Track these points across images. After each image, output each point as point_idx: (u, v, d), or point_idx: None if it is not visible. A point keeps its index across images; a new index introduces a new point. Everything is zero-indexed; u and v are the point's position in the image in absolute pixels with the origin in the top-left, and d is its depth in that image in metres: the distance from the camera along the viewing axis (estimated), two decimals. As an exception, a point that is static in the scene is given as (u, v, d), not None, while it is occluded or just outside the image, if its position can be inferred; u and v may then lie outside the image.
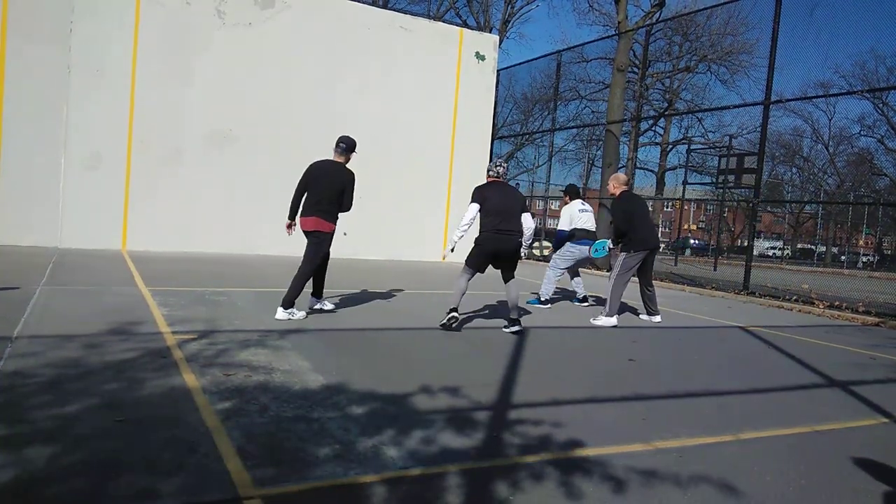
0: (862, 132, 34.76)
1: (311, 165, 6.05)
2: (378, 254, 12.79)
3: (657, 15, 19.61)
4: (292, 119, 12.16)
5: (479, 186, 5.94)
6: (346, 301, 7.08)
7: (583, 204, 8.19)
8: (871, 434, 3.66)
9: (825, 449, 3.33)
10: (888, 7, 11.34)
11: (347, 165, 6.07)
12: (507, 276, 6.05)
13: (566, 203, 8.26)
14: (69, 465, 2.42)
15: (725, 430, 3.48)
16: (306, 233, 5.92)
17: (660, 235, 37.95)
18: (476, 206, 5.82)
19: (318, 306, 6.24)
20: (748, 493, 2.66)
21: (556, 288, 8.51)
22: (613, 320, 6.84)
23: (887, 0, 11.34)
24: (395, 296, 7.80)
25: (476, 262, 5.92)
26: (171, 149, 11.22)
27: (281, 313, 5.70)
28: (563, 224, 8.10)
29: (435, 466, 2.68)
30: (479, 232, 5.86)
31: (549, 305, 7.96)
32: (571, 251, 8.01)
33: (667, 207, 43.05)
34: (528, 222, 5.94)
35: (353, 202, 6.09)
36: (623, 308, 8.02)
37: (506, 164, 6.13)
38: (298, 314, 5.78)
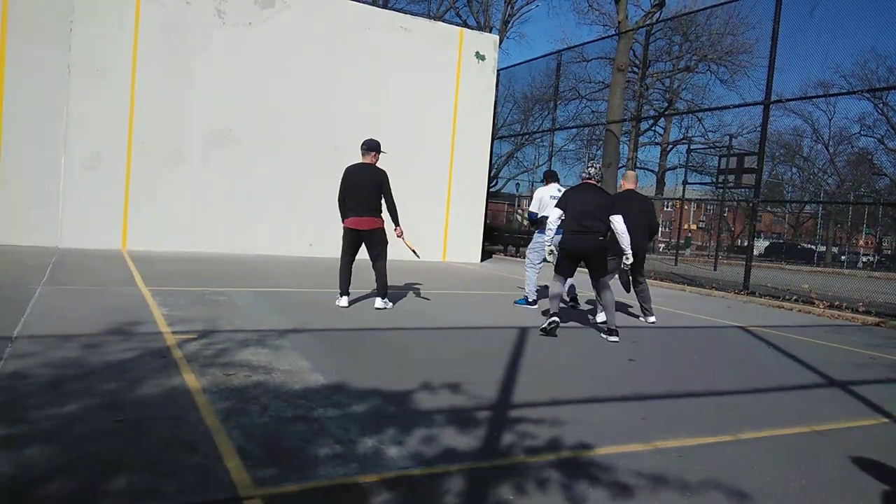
0: (862, 132, 34.76)
1: (346, 170, 6.67)
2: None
3: (657, 15, 19.62)
4: (292, 119, 12.16)
5: (566, 190, 6.15)
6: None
7: (558, 190, 7.66)
8: (871, 434, 3.66)
9: (825, 449, 3.33)
10: (888, 7, 11.34)
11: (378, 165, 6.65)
12: (593, 277, 6.09)
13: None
14: (69, 465, 2.42)
15: (725, 430, 3.48)
16: (360, 231, 6.52)
17: (660, 235, 37.90)
18: (558, 211, 5.98)
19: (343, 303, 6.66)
20: (748, 493, 2.66)
21: (540, 285, 8.17)
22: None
23: (887, 0, 11.34)
24: (394, 296, 7.79)
25: (561, 266, 6.04)
26: (171, 149, 11.22)
27: (380, 302, 6.63)
28: (534, 206, 7.89)
29: (435, 466, 2.68)
30: (562, 235, 6.01)
31: (536, 305, 7.72)
32: (539, 241, 7.76)
33: (667, 207, 43.04)
34: (618, 225, 5.99)
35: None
36: (620, 307, 8.00)
37: (598, 166, 6.14)
38: (390, 303, 6.77)
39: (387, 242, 6.66)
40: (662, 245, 36.80)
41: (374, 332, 5.57)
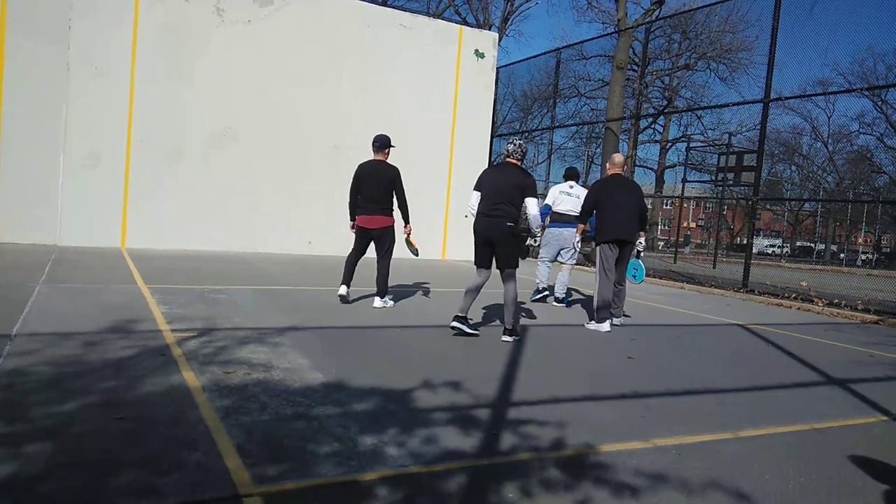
0: (861, 130, 34.76)
1: (358, 167, 6.57)
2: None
3: (656, 12, 19.58)
4: (291, 117, 12.15)
5: (485, 169, 5.60)
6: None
7: (570, 187, 8.01)
8: (870, 432, 3.67)
9: (824, 446, 3.33)
10: (888, 6, 11.33)
11: (389, 161, 6.59)
12: (501, 270, 5.39)
13: None
14: (68, 463, 2.42)
15: (724, 428, 3.48)
16: (371, 230, 6.50)
17: (658, 233, 37.91)
18: (476, 194, 5.44)
19: (379, 304, 6.67)
20: (748, 491, 2.66)
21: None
22: (604, 326, 6.31)
23: (886, -2, 11.34)
24: (394, 294, 7.79)
25: (476, 255, 5.48)
26: (170, 147, 11.21)
27: (378, 302, 6.58)
28: (548, 199, 8.17)
29: (435, 464, 2.68)
30: (475, 217, 5.42)
31: (548, 292, 8.09)
32: (547, 234, 8.06)
33: (666, 205, 43.03)
34: (531, 208, 5.31)
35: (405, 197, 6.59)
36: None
37: (517, 142, 5.51)
38: (391, 302, 6.72)
39: (394, 241, 6.63)
40: (662, 243, 36.81)
41: (374, 329, 5.57)
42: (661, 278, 12.67)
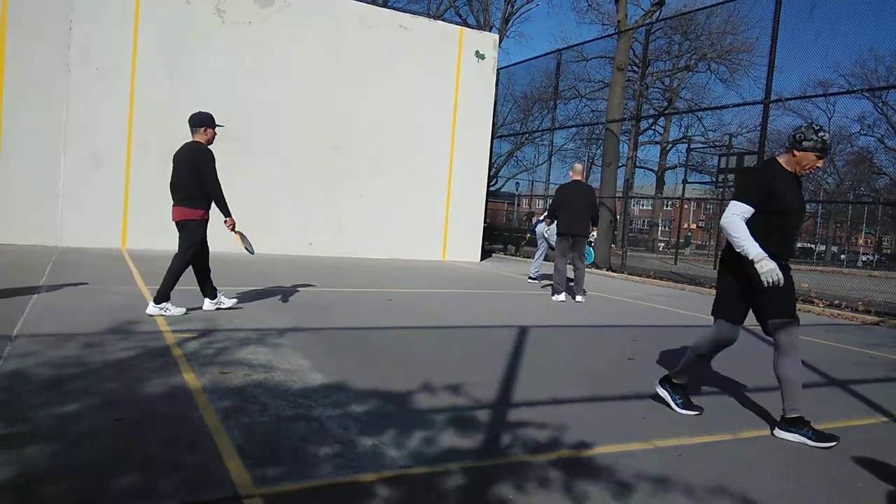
0: (861, 131, 34.73)
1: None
2: (376, 253, 12.79)
3: (657, 14, 19.59)
4: (291, 118, 12.16)
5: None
6: (346, 299, 7.08)
7: None
8: (871, 433, 3.67)
9: (824, 448, 3.33)
10: (888, 6, 11.33)
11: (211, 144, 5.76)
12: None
13: None
14: (69, 464, 2.42)
15: (725, 429, 3.48)
16: (175, 223, 5.59)
17: (659, 234, 37.90)
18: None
19: (212, 307, 5.90)
20: (748, 492, 2.66)
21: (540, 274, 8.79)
22: (559, 297, 8.36)
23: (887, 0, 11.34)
24: (394, 295, 7.80)
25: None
26: (170, 147, 11.07)
27: (152, 308, 5.38)
28: None
29: (435, 465, 2.68)
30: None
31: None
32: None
33: (667, 206, 43.02)
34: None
35: (220, 183, 5.60)
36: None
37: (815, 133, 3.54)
38: (175, 310, 5.46)
39: (194, 236, 5.56)
40: (662, 244, 36.82)
41: (374, 331, 5.57)
42: (661, 279, 12.66)
